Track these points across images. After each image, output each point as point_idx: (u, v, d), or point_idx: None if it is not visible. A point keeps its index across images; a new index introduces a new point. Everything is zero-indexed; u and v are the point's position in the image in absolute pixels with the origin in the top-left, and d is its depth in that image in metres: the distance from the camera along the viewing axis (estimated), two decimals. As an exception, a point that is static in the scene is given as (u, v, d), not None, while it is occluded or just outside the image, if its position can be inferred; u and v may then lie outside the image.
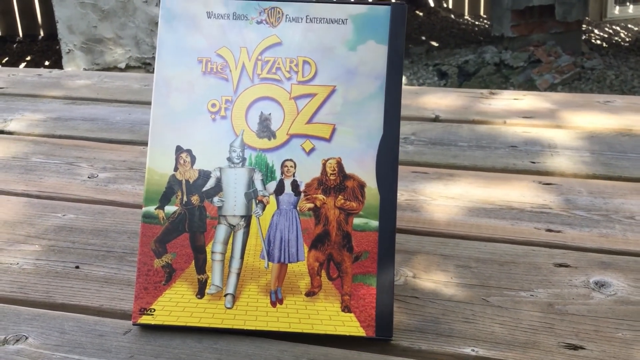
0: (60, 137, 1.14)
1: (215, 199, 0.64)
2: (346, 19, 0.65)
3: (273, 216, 0.63)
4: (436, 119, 1.21)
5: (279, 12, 0.65)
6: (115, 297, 0.68)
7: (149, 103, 0.65)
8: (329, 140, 0.64)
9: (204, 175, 0.64)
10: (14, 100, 1.35)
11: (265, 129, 0.64)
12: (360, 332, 0.61)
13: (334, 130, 0.64)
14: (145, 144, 0.66)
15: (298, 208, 0.63)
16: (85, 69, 4.02)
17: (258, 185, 0.64)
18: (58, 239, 0.80)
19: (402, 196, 0.90)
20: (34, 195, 0.92)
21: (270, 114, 0.64)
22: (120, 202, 0.89)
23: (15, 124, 1.20)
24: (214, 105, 0.65)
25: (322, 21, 0.65)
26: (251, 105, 0.65)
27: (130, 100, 1.34)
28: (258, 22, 0.65)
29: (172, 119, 0.65)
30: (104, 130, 1.16)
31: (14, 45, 5.72)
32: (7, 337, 0.62)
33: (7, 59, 5.28)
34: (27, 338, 0.62)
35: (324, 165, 0.64)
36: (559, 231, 0.81)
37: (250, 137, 0.64)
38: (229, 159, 0.64)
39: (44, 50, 5.50)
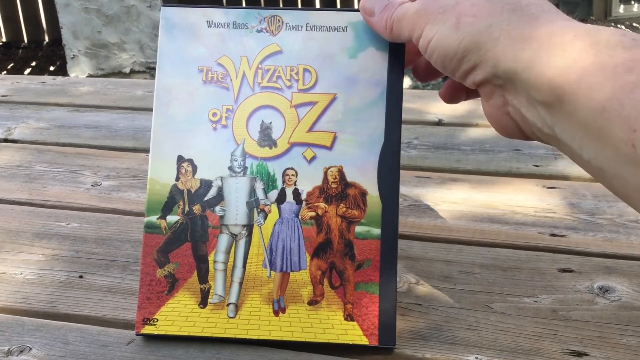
0: (64, 145, 1.14)
1: (217, 208, 0.64)
2: (346, 27, 0.65)
3: (275, 225, 0.63)
4: (439, 123, 1.21)
5: (279, 20, 0.65)
6: (118, 307, 0.68)
7: (152, 109, 0.65)
8: (330, 148, 0.64)
9: (206, 185, 0.64)
10: (18, 108, 1.35)
11: (266, 137, 0.64)
12: (364, 340, 0.61)
13: (335, 138, 0.64)
14: (148, 151, 0.66)
15: (300, 217, 0.63)
16: (90, 74, 4.04)
17: (259, 194, 0.64)
18: (62, 248, 0.80)
19: (405, 201, 0.89)
20: (37, 204, 0.92)
21: (271, 122, 0.64)
22: (124, 211, 0.89)
23: (19, 132, 1.20)
24: (214, 114, 0.65)
25: (322, 29, 0.65)
26: (252, 114, 0.64)
27: (134, 107, 1.34)
28: (258, 31, 0.65)
29: (173, 128, 0.65)
30: (108, 138, 1.17)
31: (19, 51, 5.74)
32: (10, 349, 0.62)
33: (12, 64, 5.31)
34: (30, 349, 0.62)
35: (326, 173, 0.63)
36: (562, 236, 0.80)
37: (251, 146, 0.64)
38: (230, 168, 0.64)
39: (48, 55, 5.53)
